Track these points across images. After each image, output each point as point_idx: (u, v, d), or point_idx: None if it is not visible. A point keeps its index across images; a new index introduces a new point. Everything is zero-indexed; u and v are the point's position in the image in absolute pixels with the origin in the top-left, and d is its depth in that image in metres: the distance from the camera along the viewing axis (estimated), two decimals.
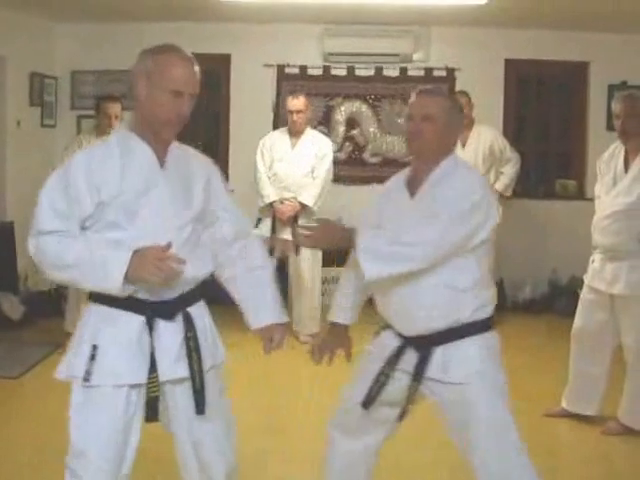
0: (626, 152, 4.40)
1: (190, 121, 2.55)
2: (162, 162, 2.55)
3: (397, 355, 2.78)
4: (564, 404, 4.67)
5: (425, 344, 2.71)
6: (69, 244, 2.44)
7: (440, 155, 2.78)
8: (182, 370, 2.55)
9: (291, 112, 6.47)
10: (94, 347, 2.48)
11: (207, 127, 8.33)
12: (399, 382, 2.79)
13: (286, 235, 6.37)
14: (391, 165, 7.89)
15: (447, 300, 2.68)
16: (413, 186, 2.81)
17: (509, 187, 6.80)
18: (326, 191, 6.53)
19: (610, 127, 4.46)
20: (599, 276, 4.40)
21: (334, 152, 7.31)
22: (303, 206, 6.40)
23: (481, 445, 2.67)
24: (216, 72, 8.08)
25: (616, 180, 4.37)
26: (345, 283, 3.03)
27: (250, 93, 7.96)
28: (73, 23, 7.86)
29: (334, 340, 3.02)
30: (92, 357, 2.48)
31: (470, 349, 2.70)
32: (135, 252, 2.38)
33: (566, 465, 4.13)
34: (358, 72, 7.96)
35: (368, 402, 2.81)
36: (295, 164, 6.47)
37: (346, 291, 3.01)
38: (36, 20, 7.49)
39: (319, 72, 7.98)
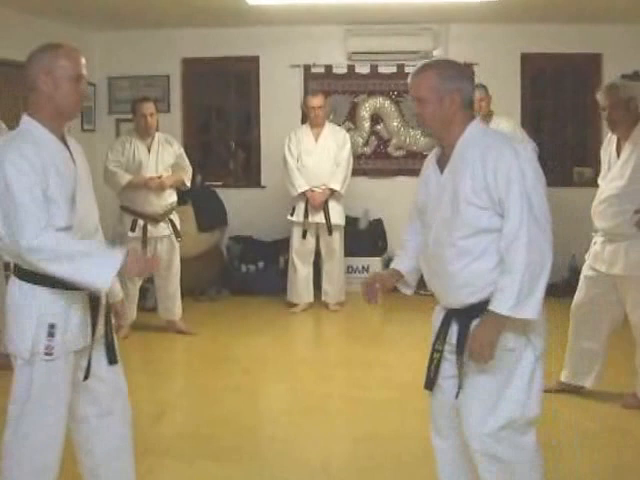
0: (618, 139, 4.52)
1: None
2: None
3: (444, 328, 2.81)
4: (561, 377, 4.74)
5: (464, 317, 2.75)
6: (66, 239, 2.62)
7: (453, 127, 2.71)
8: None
9: (313, 108, 7.00)
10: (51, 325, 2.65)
11: (239, 126, 8.54)
12: (450, 358, 2.82)
13: (318, 218, 7.02)
14: (415, 157, 8.19)
15: (477, 277, 2.68)
16: (442, 163, 2.78)
17: None
18: (349, 175, 7.11)
19: None
20: (600, 258, 4.48)
21: (361, 147, 7.75)
22: (332, 191, 7.00)
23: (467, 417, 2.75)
24: (246, 73, 8.38)
25: (610, 166, 4.50)
26: (407, 238, 3.07)
27: (279, 92, 8.22)
28: (107, 32, 8.14)
29: (379, 278, 3.05)
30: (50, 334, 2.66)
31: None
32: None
33: (568, 441, 4.09)
34: (381, 70, 8.20)
35: (429, 383, 2.83)
36: (321, 155, 7.05)
37: (407, 244, 3.06)
38: (73, 30, 7.74)
39: (344, 71, 8.23)
